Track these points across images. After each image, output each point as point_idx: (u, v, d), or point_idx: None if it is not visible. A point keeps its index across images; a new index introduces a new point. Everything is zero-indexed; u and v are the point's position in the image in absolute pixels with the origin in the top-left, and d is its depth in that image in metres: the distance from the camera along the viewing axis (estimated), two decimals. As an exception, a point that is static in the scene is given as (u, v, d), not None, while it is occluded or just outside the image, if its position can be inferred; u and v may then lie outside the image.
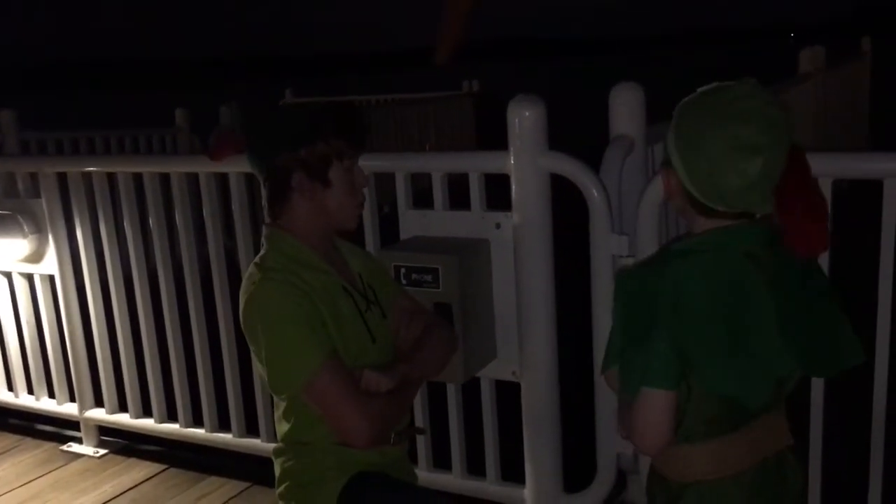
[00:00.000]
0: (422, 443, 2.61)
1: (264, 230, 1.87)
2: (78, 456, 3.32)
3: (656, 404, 1.34)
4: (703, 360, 1.34)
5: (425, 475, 2.51)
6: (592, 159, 2.30)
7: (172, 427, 3.18)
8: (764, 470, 1.44)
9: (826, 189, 1.86)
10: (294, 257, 1.80)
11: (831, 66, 6.97)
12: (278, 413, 1.87)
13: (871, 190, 2.09)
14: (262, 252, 1.85)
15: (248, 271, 1.83)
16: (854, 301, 1.63)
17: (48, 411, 3.49)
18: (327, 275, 1.83)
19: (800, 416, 1.50)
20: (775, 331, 1.35)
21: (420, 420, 2.59)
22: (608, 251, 2.24)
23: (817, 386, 2.12)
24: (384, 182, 2.65)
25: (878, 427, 2.09)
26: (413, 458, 2.49)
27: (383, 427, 1.77)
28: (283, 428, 1.87)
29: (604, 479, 2.40)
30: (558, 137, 2.32)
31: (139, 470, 3.18)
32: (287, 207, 1.82)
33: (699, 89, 1.41)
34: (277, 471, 1.90)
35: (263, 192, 1.86)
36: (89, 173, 3.19)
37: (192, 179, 2.97)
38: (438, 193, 2.43)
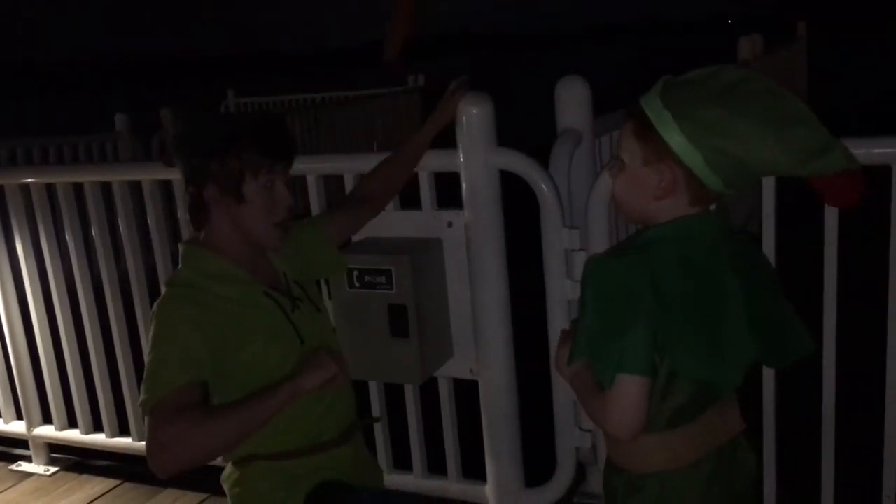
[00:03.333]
0: (381, 444, 2.59)
1: (180, 248, 1.78)
2: (28, 475, 3.24)
3: (632, 391, 1.33)
4: (682, 347, 1.34)
5: (385, 477, 2.49)
6: (538, 151, 2.30)
7: (125, 441, 3.11)
8: (719, 457, 1.46)
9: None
10: (208, 272, 1.71)
11: (769, 52, 7.10)
12: None
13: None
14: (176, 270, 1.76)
15: None
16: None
17: (-5, 430, 3.40)
18: (246, 284, 1.74)
19: (748, 400, 1.51)
20: (744, 318, 1.37)
21: (378, 422, 2.57)
22: (560, 245, 2.25)
23: (768, 372, 2.16)
24: (331, 183, 2.62)
25: (828, 405, 2.13)
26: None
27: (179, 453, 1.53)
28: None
29: (564, 473, 2.42)
30: (503, 131, 2.32)
31: (92, 486, 3.10)
32: (206, 219, 1.74)
33: (674, 79, 1.36)
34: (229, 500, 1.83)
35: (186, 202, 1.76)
36: (27, 184, 3.10)
37: (136, 187, 2.91)
38: (388, 193, 2.40)
